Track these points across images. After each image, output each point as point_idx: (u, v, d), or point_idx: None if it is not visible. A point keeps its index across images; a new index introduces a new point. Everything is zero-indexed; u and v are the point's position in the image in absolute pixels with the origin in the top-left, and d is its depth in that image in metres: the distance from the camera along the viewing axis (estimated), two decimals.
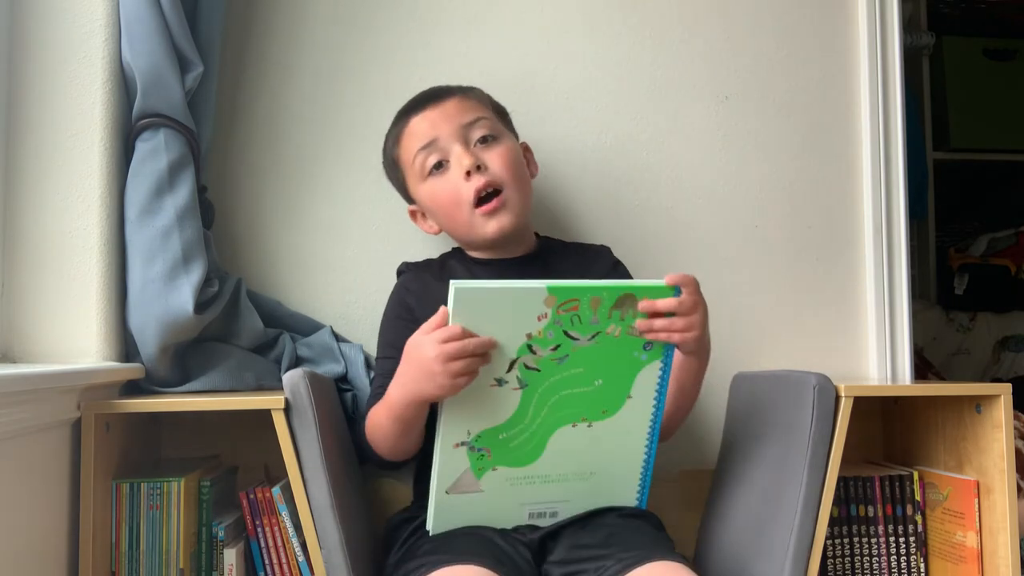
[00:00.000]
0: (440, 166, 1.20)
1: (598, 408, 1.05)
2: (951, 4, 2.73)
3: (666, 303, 0.99)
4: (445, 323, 0.96)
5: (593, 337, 0.99)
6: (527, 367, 1.00)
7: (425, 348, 0.96)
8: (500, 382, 1.00)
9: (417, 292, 1.22)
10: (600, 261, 1.30)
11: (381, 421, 1.10)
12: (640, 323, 0.99)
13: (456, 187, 1.18)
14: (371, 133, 1.41)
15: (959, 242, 2.81)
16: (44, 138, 1.16)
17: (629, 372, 1.04)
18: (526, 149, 1.29)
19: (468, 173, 1.17)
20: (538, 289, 0.95)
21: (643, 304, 0.98)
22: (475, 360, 0.95)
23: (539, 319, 0.96)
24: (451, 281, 0.95)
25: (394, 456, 1.14)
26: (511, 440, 1.04)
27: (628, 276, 1.30)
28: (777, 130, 1.50)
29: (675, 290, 1.00)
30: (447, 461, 1.03)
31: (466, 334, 0.95)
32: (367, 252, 1.41)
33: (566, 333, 0.98)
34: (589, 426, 1.06)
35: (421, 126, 1.21)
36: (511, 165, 1.20)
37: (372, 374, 1.29)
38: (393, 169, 1.29)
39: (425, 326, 0.98)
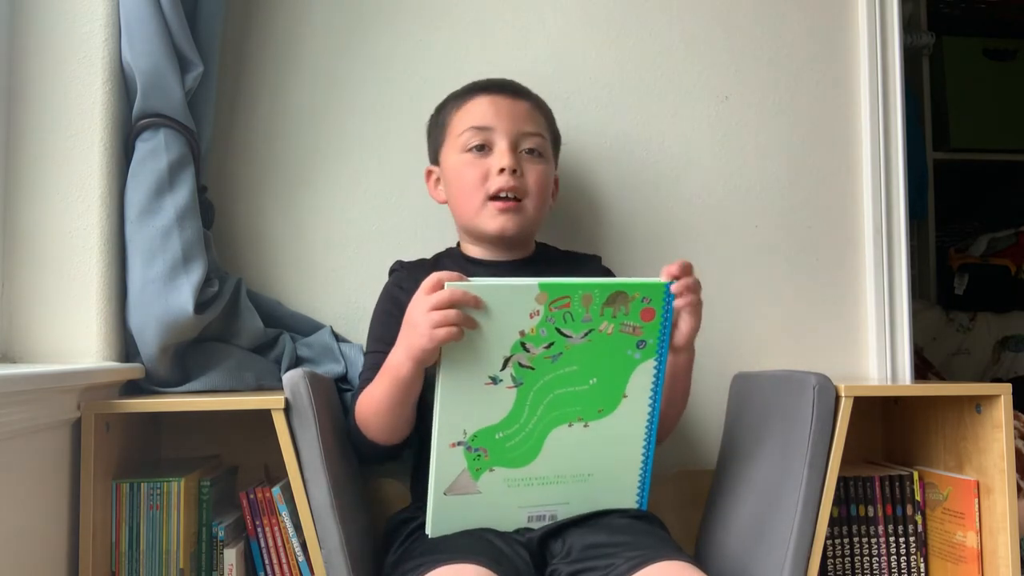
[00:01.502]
0: (481, 149, 1.21)
1: (594, 407, 1.05)
2: (951, 4, 2.73)
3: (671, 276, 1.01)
4: (438, 287, 0.97)
5: (586, 335, 1.00)
6: (521, 365, 1.00)
7: (414, 305, 0.99)
8: (495, 380, 1.00)
9: (409, 290, 1.21)
10: (589, 269, 1.31)
11: (374, 393, 1.10)
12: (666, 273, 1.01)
13: (485, 174, 1.20)
14: (371, 133, 1.41)
15: (959, 242, 2.81)
16: (44, 138, 1.16)
17: (623, 371, 1.04)
18: (556, 180, 1.31)
19: (502, 170, 1.19)
20: (530, 286, 0.96)
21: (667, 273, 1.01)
22: (452, 313, 0.96)
23: (531, 316, 0.97)
24: (445, 283, 0.96)
25: (384, 436, 1.13)
26: (507, 440, 1.04)
27: None
28: (777, 130, 1.51)
29: (666, 287, 1.01)
30: (444, 461, 1.03)
31: (454, 302, 0.96)
32: (367, 252, 1.41)
33: (559, 331, 0.99)
34: (585, 426, 1.06)
35: (486, 107, 1.22)
36: (542, 185, 1.23)
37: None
38: (437, 127, 1.29)
39: (420, 289, 1.00)
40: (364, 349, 1.26)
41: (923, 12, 2.64)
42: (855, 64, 1.52)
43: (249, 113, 1.40)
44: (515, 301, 0.97)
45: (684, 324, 1.04)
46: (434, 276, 0.99)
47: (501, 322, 0.98)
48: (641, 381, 1.05)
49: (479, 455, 1.04)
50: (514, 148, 1.21)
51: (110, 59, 1.18)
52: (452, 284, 0.96)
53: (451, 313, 0.96)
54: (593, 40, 1.47)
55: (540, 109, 1.27)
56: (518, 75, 1.37)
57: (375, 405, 1.10)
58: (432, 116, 1.32)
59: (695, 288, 1.03)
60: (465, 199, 1.22)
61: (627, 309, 1.00)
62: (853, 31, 1.53)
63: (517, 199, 1.21)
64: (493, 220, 1.21)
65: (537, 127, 1.24)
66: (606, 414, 1.06)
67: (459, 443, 1.03)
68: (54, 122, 1.17)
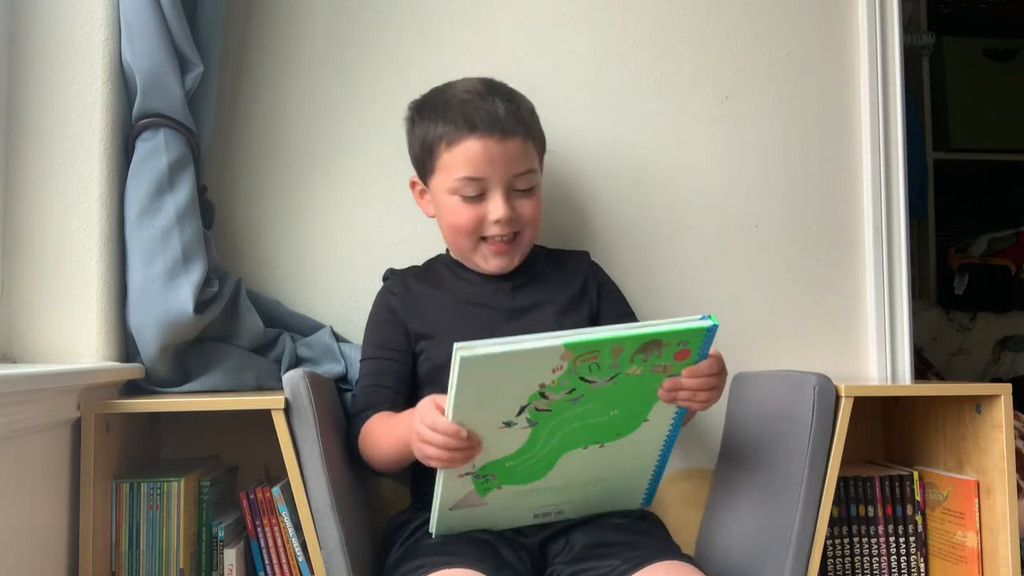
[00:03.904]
0: (474, 194, 1.19)
1: (612, 433, 1.03)
2: (951, 4, 2.73)
3: (704, 369, 0.98)
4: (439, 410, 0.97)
5: (612, 379, 0.95)
6: (538, 409, 0.95)
7: (417, 422, 0.99)
8: (509, 424, 0.96)
9: (401, 295, 1.25)
10: (577, 265, 1.31)
11: (378, 441, 1.14)
12: (664, 393, 0.98)
13: (479, 220, 1.19)
14: (371, 133, 1.41)
15: (959, 242, 2.81)
16: (44, 138, 1.16)
17: (647, 402, 1.00)
18: None
19: (498, 221, 1.18)
20: (555, 348, 0.89)
21: (687, 373, 0.97)
22: (450, 454, 0.97)
23: (554, 371, 0.91)
24: (455, 346, 0.88)
25: (386, 471, 1.20)
26: (518, 466, 1.02)
27: (607, 279, 1.31)
28: (777, 130, 1.50)
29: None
30: (451, 487, 1.02)
31: (455, 435, 0.95)
32: (367, 252, 1.40)
33: (583, 379, 0.93)
34: (601, 447, 1.04)
35: (479, 156, 1.16)
36: (535, 216, 1.23)
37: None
38: (425, 152, 1.23)
39: (424, 409, 0.99)
40: (360, 355, 1.26)
41: (923, 12, 2.64)
42: (855, 64, 1.52)
43: (249, 113, 1.40)
44: (537, 361, 0.90)
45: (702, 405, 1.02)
46: (432, 400, 0.98)
47: (520, 380, 0.92)
48: (665, 408, 1.02)
49: (488, 479, 1.03)
50: (507, 192, 1.19)
51: (110, 59, 1.18)
52: (468, 355, 0.87)
53: (444, 454, 0.96)
54: (592, 41, 1.47)
55: (531, 135, 1.22)
56: (517, 77, 1.37)
57: (379, 451, 1.14)
58: (416, 127, 1.25)
59: (719, 383, 1.01)
60: (459, 238, 1.22)
61: (660, 353, 0.94)
62: (853, 31, 1.53)
63: (513, 237, 1.21)
64: (488, 262, 1.22)
65: (528, 163, 1.21)
66: (623, 435, 1.03)
67: (467, 474, 1.01)
68: (54, 122, 1.16)
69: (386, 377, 1.21)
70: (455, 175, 1.18)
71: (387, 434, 1.12)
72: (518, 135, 1.19)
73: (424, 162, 1.25)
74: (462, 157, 1.17)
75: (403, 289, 1.26)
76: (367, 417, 1.17)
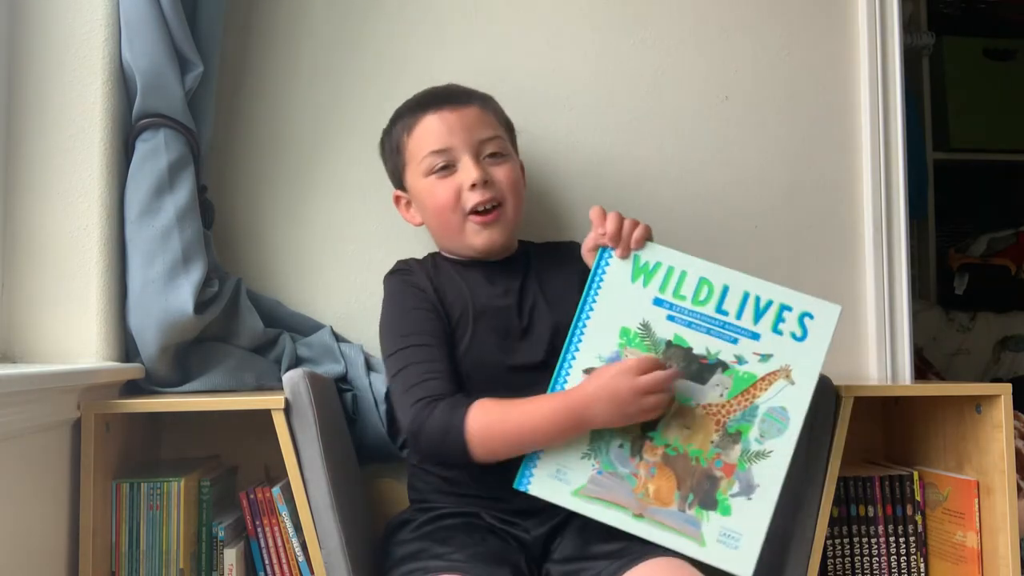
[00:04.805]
0: (446, 168, 1.19)
1: None
2: (951, 4, 2.73)
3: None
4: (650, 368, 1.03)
5: None
6: None
7: (622, 385, 1.02)
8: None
9: (421, 281, 1.20)
10: (571, 254, 1.27)
11: (535, 429, 1.04)
12: None
13: (458, 192, 1.18)
14: (371, 133, 1.40)
15: (959, 242, 2.81)
16: (44, 138, 1.16)
17: None
18: (521, 167, 1.28)
19: (474, 185, 1.17)
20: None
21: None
22: (665, 398, 1.04)
23: None
24: (832, 307, 1.16)
25: (505, 458, 1.07)
26: None
27: None
28: (777, 130, 1.50)
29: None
30: None
31: (658, 365, 1.04)
32: (367, 252, 1.40)
33: None
34: None
35: (438, 127, 1.19)
36: (514, 183, 1.21)
37: (392, 371, 1.17)
38: (394, 154, 1.26)
39: (628, 368, 1.03)
40: (388, 349, 1.15)
41: (923, 12, 2.64)
42: (855, 64, 1.52)
43: (249, 113, 1.40)
44: None
45: None
46: (650, 360, 1.05)
47: None
48: None
49: None
50: (477, 157, 1.19)
51: (110, 59, 1.19)
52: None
53: (664, 398, 1.03)
54: (593, 40, 1.47)
55: (487, 107, 1.24)
56: (518, 77, 1.38)
57: (528, 440, 1.05)
58: (384, 140, 1.28)
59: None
60: (443, 221, 1.20)
61: None
62: (853, 31, 1.53)
63: (496, 206, 1.19)
64: (478, 236, 1.19)
65: (492, 129, 1.22)
66: None
67: None
68: (54, 122, 1.17)
69: (438, 364, 1.11)
70: (422, 154, 1.19)
71: (547, 418, 1.03)
72: (472, 103, 1.22)
73: (397, 164, 1.25)
74: (423, 135, 1.20)
75: (423, 278, 1.20)
76: (460, 404, 1.05)
